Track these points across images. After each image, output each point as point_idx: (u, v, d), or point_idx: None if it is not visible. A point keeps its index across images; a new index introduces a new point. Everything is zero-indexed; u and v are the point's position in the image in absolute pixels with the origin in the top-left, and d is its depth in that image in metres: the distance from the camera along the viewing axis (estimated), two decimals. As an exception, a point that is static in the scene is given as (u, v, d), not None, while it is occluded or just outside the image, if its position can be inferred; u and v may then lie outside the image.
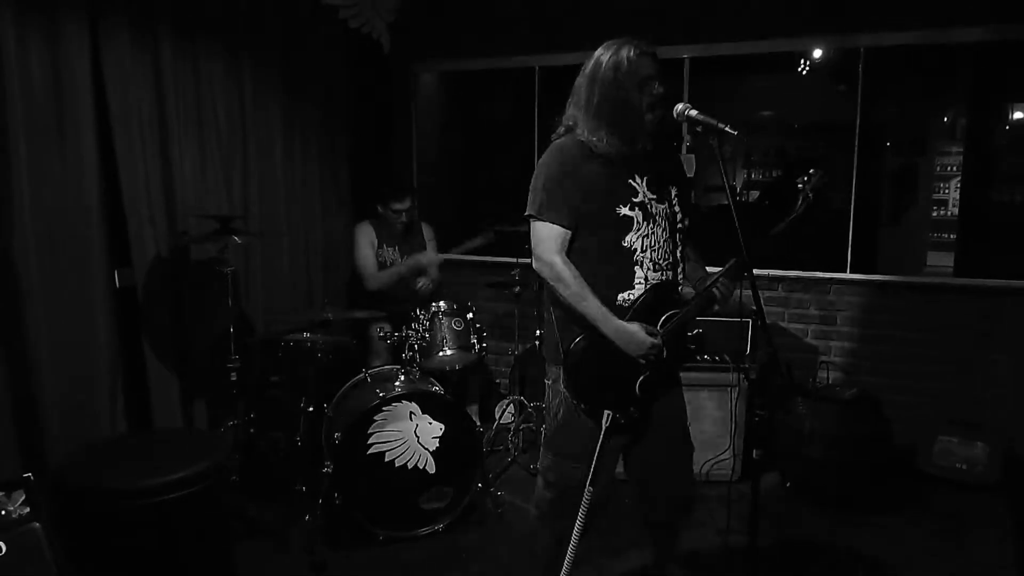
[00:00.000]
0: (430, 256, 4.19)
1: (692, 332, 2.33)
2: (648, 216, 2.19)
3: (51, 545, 2.09)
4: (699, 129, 2.10)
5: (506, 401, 4.46)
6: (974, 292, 4.13)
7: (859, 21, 4.13)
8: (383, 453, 3.17)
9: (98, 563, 2.38)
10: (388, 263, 4.22)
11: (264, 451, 3.62)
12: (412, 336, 3.49)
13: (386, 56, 4.85)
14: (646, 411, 2.26)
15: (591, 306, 2.13)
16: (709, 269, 2.46)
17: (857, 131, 4.21)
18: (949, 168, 5.90)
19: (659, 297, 2.21)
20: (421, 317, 3.61)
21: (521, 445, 4.19)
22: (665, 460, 2.38)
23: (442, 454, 3.25)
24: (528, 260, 4.02)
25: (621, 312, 2.17)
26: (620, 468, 2.40)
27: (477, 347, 3.80)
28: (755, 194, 6.21)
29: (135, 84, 3.35)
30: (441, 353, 3.69)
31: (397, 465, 3.19)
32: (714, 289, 2.22)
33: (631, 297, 2.19)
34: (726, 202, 2.03)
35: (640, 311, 2.18)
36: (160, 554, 2.44)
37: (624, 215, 2.16)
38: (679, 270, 2.32)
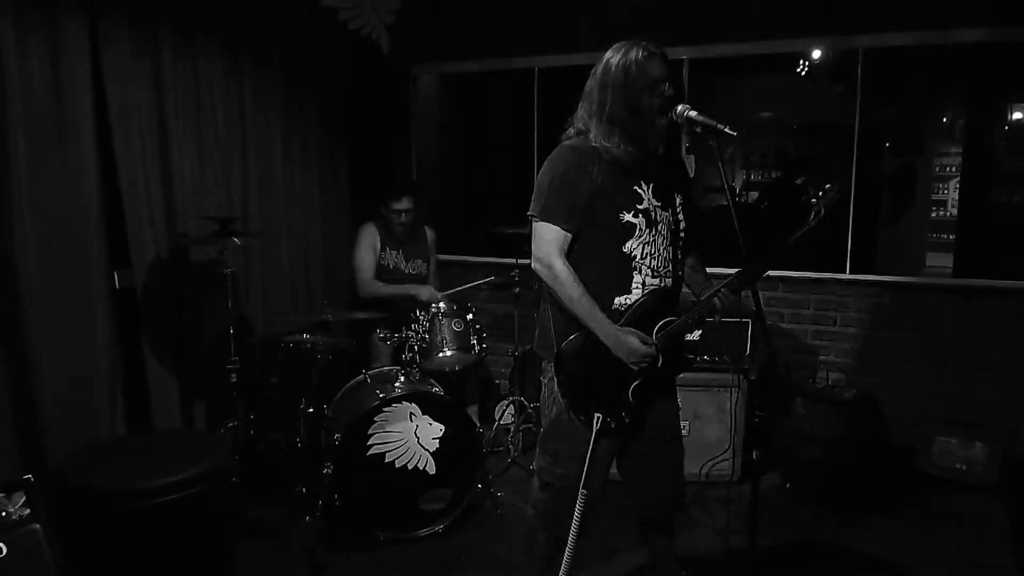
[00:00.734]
0: (430, 293, 4.05)
1: (692, 337, 2.32)
2: (651, 223, 2.18)
3: (51, 546, 2.09)
4: (698, 130, 2.09)
5: (506, 402, 4.46)
6: (973, 293, 4.13)
7: (858, 22, 4.13)
8: (383, 454, 3.17)
9: (98, 564, 2.38)
10: (391, 267, 4.21)
11: (264, 452, 3.62)
12: (412, 337, 3.49)
13: (385, 57, 4.85)
14: (638, 417, 2.25)
15: (587, 310, 2.13)
16: (710, 270, 2.46)
17: (856, 132, 4.22)
18: (948, 169, 5.90)
19: (657, 303, 2.20)
20: (421, 318, 3.61)
21: (521, 446, 4.19)
22: (658, 464, 2.37)
23: (442, 455, 3.25)
24: (527, 261, 4.05)
25: (617, 317, 2.17)
26: (616, 469, 2.41)
27: (477, 348, 3.80)
28: (754, 195, 6.21)
29: (135, 85, 3.36)
30: (441, 354, 3.69)
31: (397, 466, 3.19)
32: (715, 299, 2.20)
33: (627, 302, 2.19)
34: (726, 203, 2.03)
35: (636, 316, 2.18)
36: (160, 555, 2.44)
37: (627, 221, 2.16)
38: (678, 276, 2.31)
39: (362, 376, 3.50)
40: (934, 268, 5.09)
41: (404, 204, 4.12)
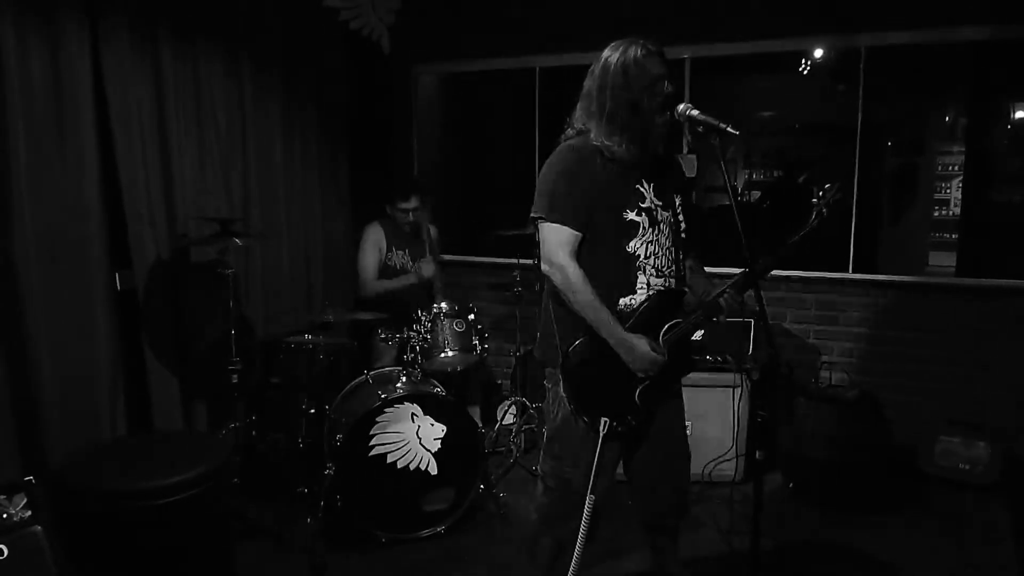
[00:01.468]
0: (428, 267, 4.05)
1: (696, 338, 2.31)
2: (654, 222, 2.17)
3: (52, 548, 2.09)
4: (700, 129, 2.08)
5: (508, 402, 4.45)
6: (976, 292, 4.12)
7: (860, 21, 4.12)
8: (385, 455, 3.16)
9: (99, 565, 2.37)
10: (397, 266, 4.19)
11: (265, 453, 3.61)
12: (414, 337, 3.49)
13: (386, 58, 4.85)
14: (645, 420, 2.24)
15: (598, 314, 2.10)
16: (712, 270, 2.45)
17: (858, 131, 4.21)
18: (951, 168, 5.89)
19: (663, 304, 2.19)
20: (423, 319, 3.60)
21: (523, 446, 4.19)
22: (662, 465, 2.36)
23: (444, 455, 3.24)
24: (528, 261, 4.05)
25: (622, 318, 2.15)
26: (620, 470, 2.40)
27: (479, 348, 3.79)
28: (756, 194, 6.21)
29: (135, 85, 3.35)
30: (443, 354, 3.68)
31: (399, 467, 3.18)
32: (720, 300, 2.19)
33: (633, 303, 2.18)
34: (728, 203, 2.02)
35: (643, 318, 2.16)
36: (161, 556, 2.43)
37: (631, 220, 2.14)
38: (683, 277, 2.30)
39: (364, 376, 3.49)
40: (937, 267, 5.08)
41: (412, 203, 4.11)
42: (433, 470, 3.23)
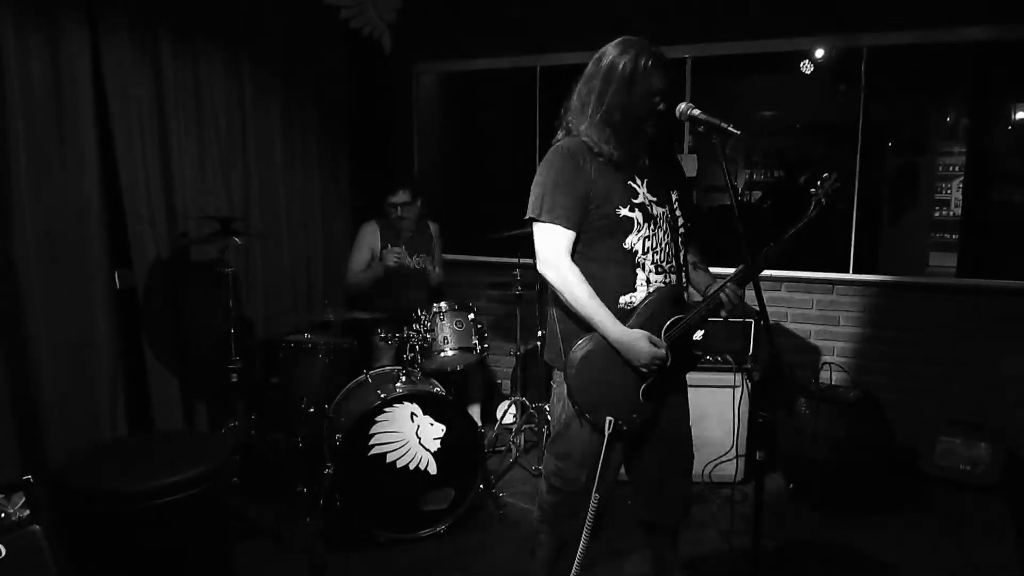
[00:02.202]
0: (392, 256, 4.04)
1: (697, 335, 2.31)
2: (648, 217, 2.17)
3: (51, 547, 2.08)
4: (701, 129, 2.08)
5: (508, 402, 4.45)
6: (977, 292, 4.11)
7: (861, 20, 4.12)
8: (384, 454, 3.16)
9: (98, 565, 2.37)
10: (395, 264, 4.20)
11: (265, 452, 3.61)
12: (413, 337, 3.48)
13: (387, 57, 4.84)
14: (650, 417, 2.24)
15: (598, 312, 2.11)
16: (713, 269, 2.45)
17: (860, 131, 4.20)
18: (951, 168, 5.89)
19: (664, 300, 2.19)
20: (423, 317, 3.60)
21: (523, 446, 4.18)
22: (666, 466, 2.36)
23: (443, 455, 3.24)
24: (529, 261, 4.04)
25: (624, 315, 2.15)
26: (622, 469, 2.39)
27: (478, 347, 3.79)
28: (757, 194, 6.20)
29: (135, 85, 3.35)
30: (442, 353, 3.69)
31: (398, 466, 3.18)
32: (721, 295, 2.19)
33: (633, 300, 2.17)
34: (728, 202, 2.02)
35: (644, 314, 2.16)
36: (161, 556, 2.43)
37: (624, 216, 2.14)
38: (683, 273, 2.30)
39: (363, 376, 3.49)
40: (937, 268, 5.08)
41: (400, 197, 4.10)
42: (433, 470, 3.23)
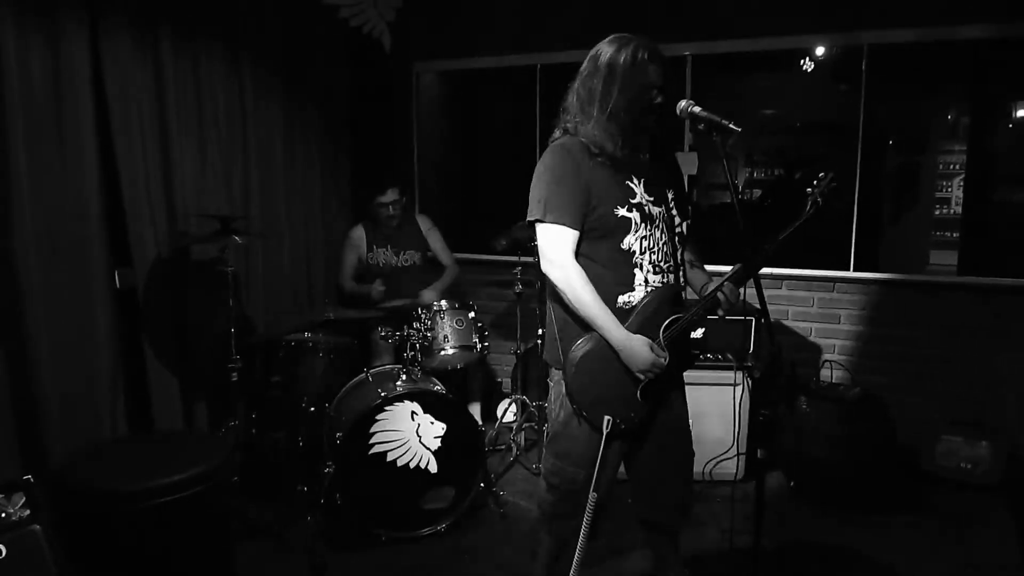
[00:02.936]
0: (378, 294, 4.12)
1: (696, 334, 2.31)
2: (646, 217, 2.16)
3: (51, 547, 2.08)
4: (701, 126, 2.07)
5: (508, 400, 4.45)
6: (977, 290, 4.11)
7: (862, 18, 4.12)
8: (385, 453, 3.16)
9: (99, 565, 2.37)
10: (380, 263, 4.23)
11: (265, 451, 3.61)
12: (414, 335, 3.48)
13: (387, 55, 4.84)
14: (648, 416, 2.24)
15: (600, 315, 2.10)
16: (711, 268, 2.45)
17: (860, 129, 4.20)
18: (952, 166, 5.88)
19: (662, 300, 2.18)
20: (423, 316, 3.60)
21: (523, 444, 4.18)
22: (666, 464, 2.36)
23: (444, 454, 3.24)
24: (529, 259, 4.04)
25: (622, 315, 2.15)
26: (621, 468, 2.39)
27: (479, 346, 3.79)
28: (757, 193, 6.19)
29: (135, 84, 3.35)
30: (443, 352, 3.69)
31: (399, 465, 3.18)
32: (718, 294, 2.19)
33: (632, 300, 2.17)
34: (729, 200, 2.01)
35: (643, 314, 2.16)
36: (161, 556, 2.43)
37: (622, 216, 2.14)
38: (680, 273, 2.29)
39: (363, 375, 3.49)
40: (938, 266, 5.06)
41: (389, 196, 4.13)
42: (433, 468, 3.23)
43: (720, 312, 2.22)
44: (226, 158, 3.90)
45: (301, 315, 4.10)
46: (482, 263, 5.03)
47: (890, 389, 4.08)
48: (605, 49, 2.13)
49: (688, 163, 4.51)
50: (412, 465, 3.20)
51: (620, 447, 2.27)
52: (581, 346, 2.15)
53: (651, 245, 2.18)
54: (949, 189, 6.02)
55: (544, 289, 2.29)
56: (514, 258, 4.20)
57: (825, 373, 4.29)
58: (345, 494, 3.11)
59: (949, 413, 3.99)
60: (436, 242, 4.39)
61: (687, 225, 2.31)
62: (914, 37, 4.08)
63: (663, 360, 2.13)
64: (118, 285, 3.34)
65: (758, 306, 2.01)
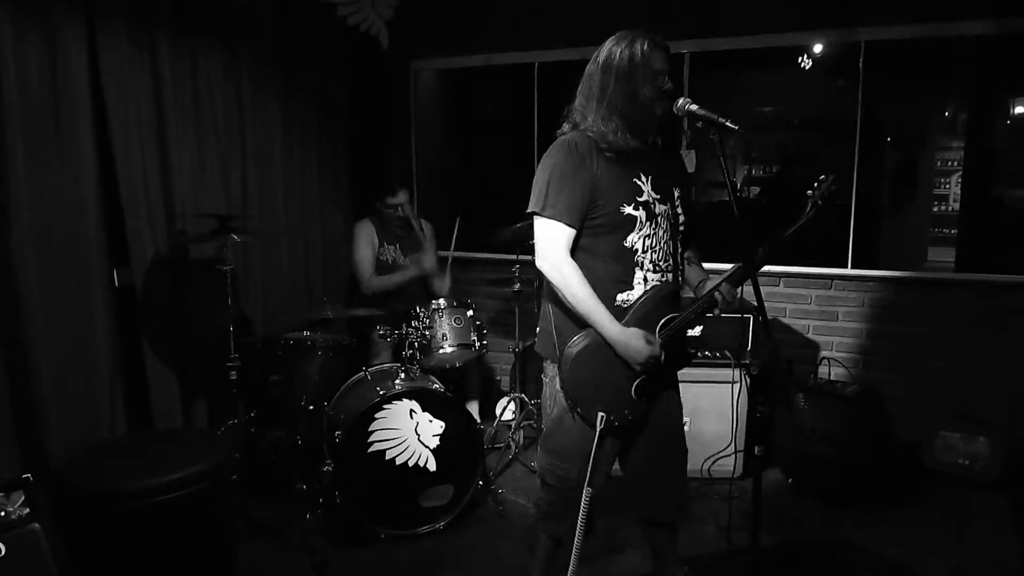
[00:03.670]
0: (428, 261, 4.13)
1: (693, 332, 2.31)
2: (651, 216, 2.16)
3: (51, 546, 2.09)
4: (699, 124, 2.07)
5: (507, 398, 4.45)
6: (975, 287, 4.12)
7: (860, 14, 4.12)
8: (384, 451, 3.16)
9: (98, 564, 2.37)
10: (389, 261, 4.21)
11: (264, 450, 3.61)
12: (412, 334, 3.49)
13: (384, 53, 4.84)
14: (641, 414, 2.24)
15: (595, 310, 2.10)
16: (710, 266, 2.45)
17: (858, 126, 4.20)
18: (950, 163, 5.88)
19: (660, 299, 2.19)
20: (421, 315, 3.60)
21: (522, 442, 4.19)
22: (660, 461, 2.36)
23: (443, 452, 3.24)
24: (528, 257, 4.04)
25: (620, 313, 2.15)
26: (616, 465, 2.40)
27: (477, 344, 3.79)
28: (755, 190, 6.19)
29: (133, 83, 3.35)
30: (441, 350, 3.69)
31: (398, 463, 3.18)
32: (715, 294, 2.19)
33: (630, 298, 2.17)
34: (727, 198, 2.01)
35: (640, 312, 2.16)
36: (160, 554, 2.43)
37: (628, 214, 2.13)
38: (679, 272, 2.30)
39: (362, 373, 3.49)
40: (936, 263, 5.07)
41: (400, 198, 4.13)
42: (432, 466, 3.23)
43: (717, 311, 2.22)
44: (224, 156, 3.90)
45: (300, 313, 4.11)
46: (480, 261, 5.03)
47: (888, 385, 4.08)
48: (607, 45, 2.14)
49: (687, 162, 4.51)
50: (411, 463, 3.20)
51: (613, 444, 2.28)
52: (577, 343, 2.15)
53: (653, 244, 2.17)
54: (947, 186, 6.02)
55: (542, 284, 2.30)
56: (512, 256, 4.20)
57: (823, 370, 4.30)
58: (344, 492, 3.11)
59: (948, 409, 3.98)
60: (430, 249, 4.37)
61: (690, 224, 2.31)
62: (912, 34, 4.08)
63: (658, 352, 2.13)
64: (116, 284, 3.34)
65: (755, 303, 2.01)
